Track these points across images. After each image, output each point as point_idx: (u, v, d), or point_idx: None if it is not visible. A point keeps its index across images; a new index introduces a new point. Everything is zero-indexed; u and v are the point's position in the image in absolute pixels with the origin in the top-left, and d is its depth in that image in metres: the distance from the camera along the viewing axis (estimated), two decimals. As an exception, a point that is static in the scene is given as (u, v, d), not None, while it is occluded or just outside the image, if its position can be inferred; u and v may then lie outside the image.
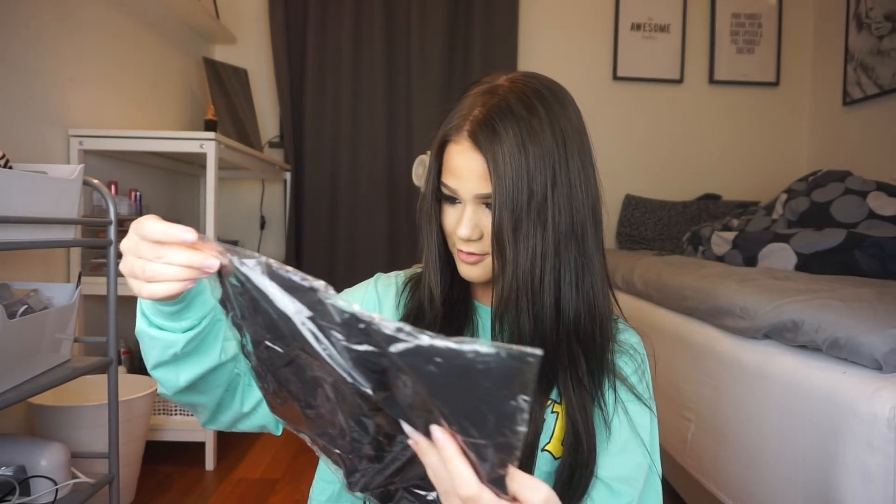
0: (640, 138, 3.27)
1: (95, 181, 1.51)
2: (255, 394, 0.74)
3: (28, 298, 1.31)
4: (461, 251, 0.75)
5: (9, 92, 1.67)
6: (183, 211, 2.85)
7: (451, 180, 0.73)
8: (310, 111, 3.08)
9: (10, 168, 1.29)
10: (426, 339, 0.41)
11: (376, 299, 0.86)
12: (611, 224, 3.20)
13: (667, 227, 3.03)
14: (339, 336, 0.46)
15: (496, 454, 0.43)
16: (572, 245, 0.72)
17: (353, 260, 3.11)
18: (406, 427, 0.48)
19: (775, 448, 1.24)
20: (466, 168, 0.71)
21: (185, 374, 0.66)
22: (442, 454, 0.45)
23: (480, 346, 0.39)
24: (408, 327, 0.42)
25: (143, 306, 0.63)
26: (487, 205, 0.72)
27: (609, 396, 0.76)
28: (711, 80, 3.27)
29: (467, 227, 0.72)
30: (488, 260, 0.74)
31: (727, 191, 3.19)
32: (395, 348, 0.42)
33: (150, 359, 0.66)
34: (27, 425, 1.72)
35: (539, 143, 0.69)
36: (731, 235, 2.06)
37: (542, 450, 0.75)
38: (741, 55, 3.26)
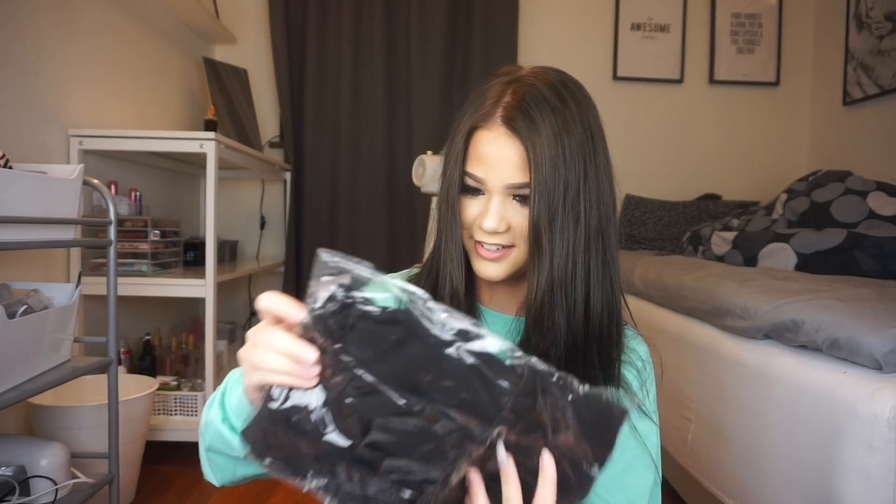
0: (640, 138, 3.27)
1: (95, 181, 1.51)
2: None
3: (28, 298, 1.31)
4: (481, 246, 0.71)
5: (9, 92, 1.67)
6: (183, 211, 2.86)
7: (479, 169, 0.69)
8: (310, 111, 3.08)
9: (10, 168, 1.29)
10: (579, 388, 0.48)
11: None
12: (615, 210, 3.20)
13: (667, 227, 3.03)
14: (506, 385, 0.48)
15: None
16: (600, 241, 0.72)
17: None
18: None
19: (775, 448, 1.24)
20: (499, 156, 0.68)
21: (242, 471, 0.65)
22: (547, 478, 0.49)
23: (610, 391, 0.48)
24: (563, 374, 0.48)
25: (225, 399, 0.61)
26: (514, 197, 0.69)
27: None
28: (711, 80, 3.27)
29: (494, 219, 0.68)
30: (511, 256, 0.71)
31: (727, 191, 3.19)
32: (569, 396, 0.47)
33: (207, 443, 0.63)
34: (27, 425, 1.72)
35: (573, 135, 0.68)
36: (731, 235, 2.06)
37: None
38: (741, 55, 3.26)
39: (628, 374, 0.75)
